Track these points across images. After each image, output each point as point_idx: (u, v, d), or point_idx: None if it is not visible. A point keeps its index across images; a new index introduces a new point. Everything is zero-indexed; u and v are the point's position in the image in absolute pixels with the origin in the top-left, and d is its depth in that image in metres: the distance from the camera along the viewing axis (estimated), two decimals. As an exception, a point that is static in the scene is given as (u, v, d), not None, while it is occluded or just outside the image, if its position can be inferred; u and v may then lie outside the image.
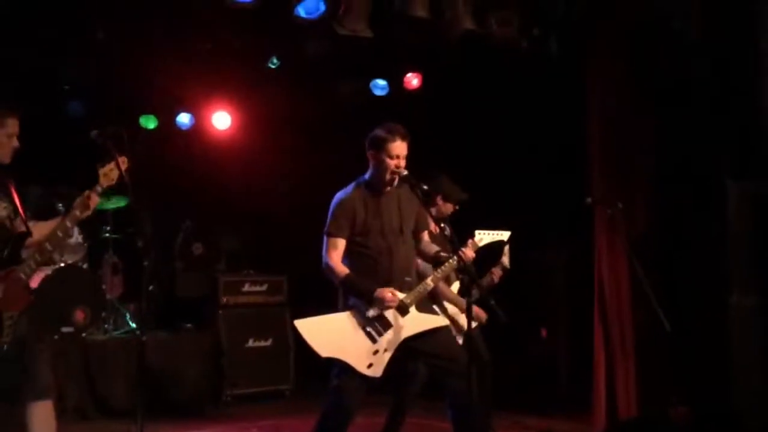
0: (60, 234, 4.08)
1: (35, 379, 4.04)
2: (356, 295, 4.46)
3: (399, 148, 4.47)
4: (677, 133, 6.15)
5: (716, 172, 5.88)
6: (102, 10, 6.40)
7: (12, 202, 4.11)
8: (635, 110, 6.21)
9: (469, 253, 4.53)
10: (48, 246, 4.05)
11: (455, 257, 4.52)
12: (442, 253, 4.67)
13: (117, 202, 7.12)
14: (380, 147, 4.49)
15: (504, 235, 5.13)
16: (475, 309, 5.41)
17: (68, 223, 4.09)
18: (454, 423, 4.54)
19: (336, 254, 4.50)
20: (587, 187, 6.18)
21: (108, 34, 6.74)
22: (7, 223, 4.06)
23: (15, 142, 4.12)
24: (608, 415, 6.06)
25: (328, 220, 4.55)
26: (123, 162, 4.18)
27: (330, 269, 4.49)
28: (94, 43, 6.87)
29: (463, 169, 7.33)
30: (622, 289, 6.08)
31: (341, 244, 4.51)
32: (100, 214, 7.10)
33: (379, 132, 4.53)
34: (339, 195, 4.59)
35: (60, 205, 7.08)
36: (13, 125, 4.10)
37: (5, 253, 4.01)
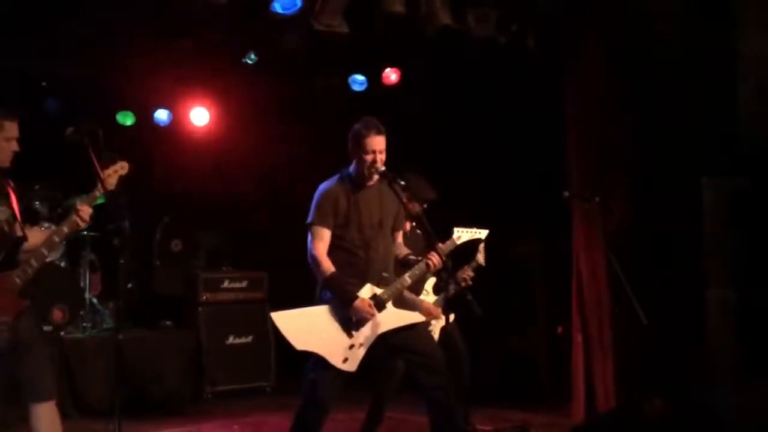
0: (47, 249, 4.05)
1: (37, 381, 4.04)
2: (336, 296, 4.46)
3: (374, 142, 4.48)
4: (655, 128, 6.20)
5: (692, 168, 5.94)
6: (80, 6, 6.35)
7: (10, 206, 4.10)
8: (613, 105, 6.25)
9: (435, 260, 4.50)
10: (44, 251, 4.04)
11: (424, 261, 4.53)
12: (411, 256, 4.70)
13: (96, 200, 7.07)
14: (357, 142, 4.51)
15: (482, 233, 5.15)
16: (428, 306, 5.43)
17: (56, 238, 4.06)
18: (431, 418, 4.56)
19: (322, 245, 4.49)
20: (565, 181, 6.22)
21: (86, 30, 6.69)
22: (5, 227, 4.04)
23: (15, 146, 4.10)
24: (586, 408, 6.11)
25: (311, 211, 4.54)
26: (123, 167, 4.17)
27: (316, 262, 4.48)
28: (72, 40, 6.83)
29: (440, 164, 7.37)
30: (599, 282, 6.12)
31: (327, 234, 4.51)
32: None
33: (357, 127, 4.56)
34: (322, 186, 4.60)
35: (37, 203, 7.04)
36: (11, 129, 4.08)
37: (1, 257, 3.98)
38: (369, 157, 4.49)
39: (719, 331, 5.58)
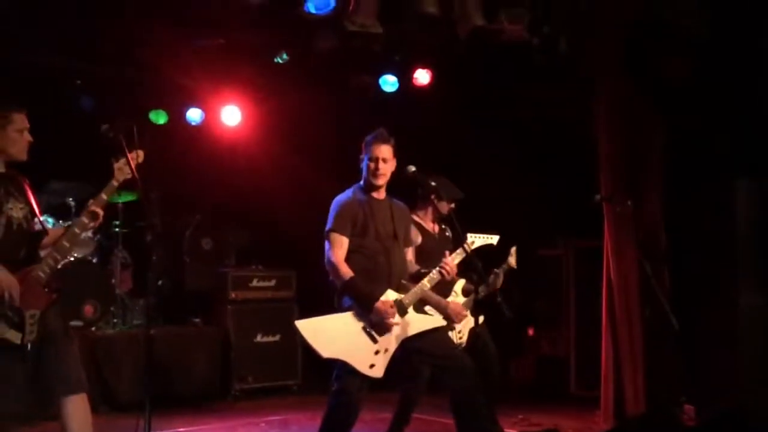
0: (68, 241, 4.08)
1: (67, 374, 4.07)
2: (356, 300, 4.49)
3: (378, 150, 4.60)
4: (687, 131, 6.13)
5: (726, 171, 5.87)
6: (113, 6, 6.41)
7: (28, 202, 4.13)
8: (645, 108, 6.19)
9: (452, 266, 4.56)
10: (65, 243, 4.06)
11: (436, 272, 4.59)
12: (423, 270, 4.75)
13: (127, 197, 7.14)
14: (364, 150, 4.65)
15: (493, 238, 5.24)
16: (456, 307, 5.42)
17: (77, 229, 4.10)
18: (456, 419, 4.56)
19: (341, 252, 4.55)
20: (597, 184, 6.17)
21: (120, 29, 6.75)
22: (24, 223, 4.08)
23: (28, 137, 4.12)
24: (616, 413, 6.06)
25: (330, 219, 4.61)
26: (138, 156, 4.20)
27: (334, 268, 4.53)
28: (106, 39, 6.89)
29: (471, 166, 7.36)
30: (630, 287, 6.07)
31: (345, 242, 4.57)
32: (109, 209, 7.12)
33: (367, 137, 4.67)
34: (338, 197, 4.70)
35: (71, 199, 7.12)
36: (20, 120, 4.09)
37: (23, 252, 4.02)
38: (372, 164, 4.60)
39: (751, 337, 5.50)
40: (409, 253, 4.88)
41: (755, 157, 5.77)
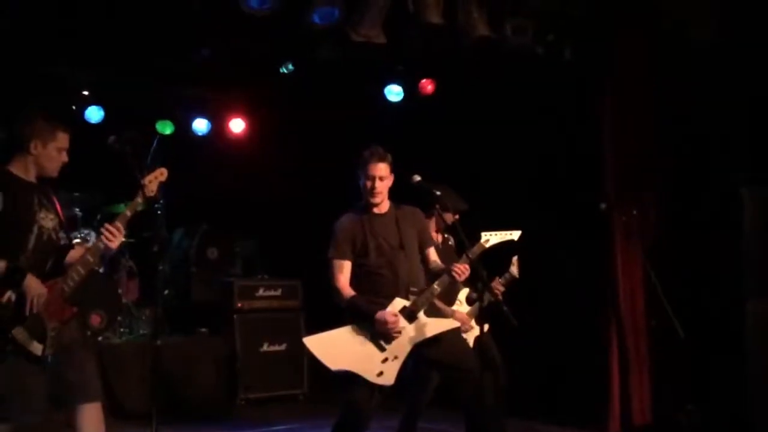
0: (92, 256, 4.10)
1: (84, 383, 4.09)
2: (360, 318, 4.49)
3: (375, 169, 4.58)
4: (693, 139, 6.14)
5: (732, 179, 5.87)
6: (119, 16, 6.45)
7: (57, 214, 4.16)
8: (651, 116, 6.20)
9: (462, 267, 4.48)
10: (89, 258, 4.09)
11: (448, 272, 4.52)
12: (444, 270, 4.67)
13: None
14: (360, 168, 4.63)
15: (514, 234, 4.97)
16: (461, 316, 5.41)
17: (101, 245, 4.10)
18: (467, 428, 4.55)
19: (342, 277, 4.59)
20: (602, 193, 6.17)
21: (126, 40, 6.79)
22: (53, 235, 4.10)
23: (64, 157, 4.14)
24: (622, 422, 6.05)
25: (330, 246, 4.65)
26: (162, 174, 4.23)
27: (337, 292, 4.58)
28: (112, 49, 6.93)
29: (477, 175, 7.36)
30: (636, 295, 6.07)
31: (346, 266, 4.60)
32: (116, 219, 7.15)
33: (364, 153, 4.65)
34: (338, 222, 4.70)
35: (77, 210, 7.14)
36: (63, 140, 4.12)
37: (50, 264, 4.05)
38: (368, 183, 4.59)
39: (758, 344, 5.49)
40: (432, 254, 4.82)
41: (761, 164, 5.77)
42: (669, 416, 5.80)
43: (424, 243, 4.78)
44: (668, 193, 6.16)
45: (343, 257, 4.59)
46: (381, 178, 4.59)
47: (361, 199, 4.69)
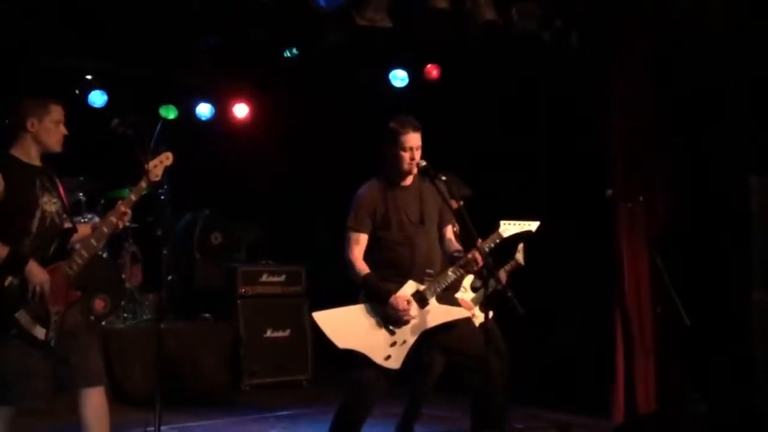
0: (96, 240, 4.10)
1: (87, 367, 4.10)
2: (374, 297, 4.44)
3: (412, 139, 4.48)
4: (700, 127, 6.10)
5: (739, 167, 5.83)
6: (124, 1, 6.42)
7: (60, 197, 4.15)
8: (657, 104, 6.16)
9: (478, 256, 4.41)
10: (93, 242, 4.08)
11: (463, 262, 4.45)
12: (456, 254, 4.61)
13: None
14: (394, 140, 4.50)
15: (532, 225, 4.89)
16: (463, 303, 5.38)
17: (105, 229, 4.10)
18: (472, 416, 4.54)
19: (358, 249, 4.50)
20: (608, 179, 6.14)
21: (129, 25, 6.76)
22: (57, 219, 4.09)
23: (63, 129, 4.13)
24: (627, 410, 6.04)
25: (349, 215, 4.54)
26: (168, 158, 4.20)
27: (351, 265, 4.48)
28: (116, 34, 6.90)
29: (481, 161, 7.33)
30: (642, 283, 6.05)
31: (363, 239, 4.51)
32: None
33: (392, 125, 4.54)
34: (360, 190, 4.60)
35: (81, 194, 7.13)
36: (57, 111, 4.11)
37: (53, 248, 4.04)
38: (407, 155, 4.48)
39: (764, 333, 5.47)
40: (449, 231, 4.75)
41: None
42: (674, 404, 5.79)
43: (443, 220, 4.69)
44: (675, 180, 6.12)
45: (361, 229, 4.50)
46: (418, 148, 4.49)
47: (389, 170, 4.57)
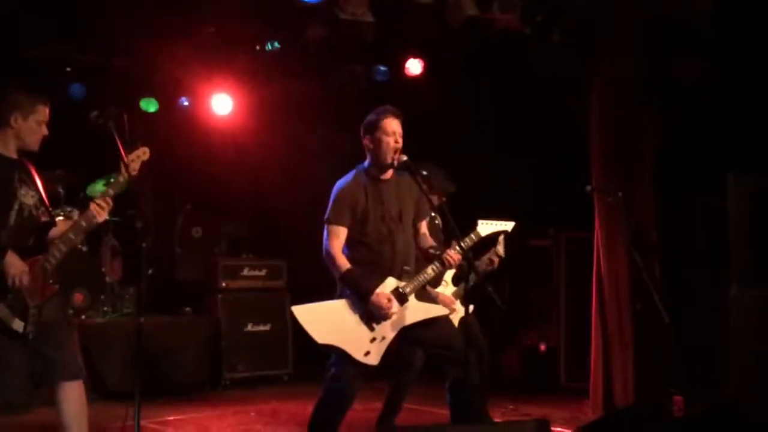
0: (75, 234, 4.09)
1: (65, 361, 4.10)
2: (354, 292, 4.43)
3: (393, 124, 4.46)
4: (679, 123, 6.14)
5: (717, 164, 5.88)
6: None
7: (37, 191, 4.13)
8: (638, 100, 6.19)
9: (455, 256, 4.44)
10: (71, 235, 4.07)
11: (441, 259, 4.46)
12: (431, 250, 4.62)
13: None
14: (375, 128, 4.48)
15: (508, 225, 4.98)
16: (445, 298, 5.41)
17: (83, 223, 4.09)
18: (452, 409, 4.55)
19: (338, 243, 4.47)
20: (588, 175, 6.17)
21: (109, 17, 6.71)
22: (34, 211, 4.08)
23: (44, 130, 4.14)
24: (605, 403, 6.08)
25: (328, 208, 4.52)
26: (144, 153, 4.19)
27: (331, 259, 4.46)
28: (95, 26, 6.85)
29: (463, 156, 7.35)
30: (620, 278, 6.08)
31: (342, 232, 4.48)
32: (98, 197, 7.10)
33: (371, 116, 4.53)
34: (339, 183, 4.56)
35: (60, 187, 7.08)
36: (43, 112, 4.12)
37: (31, 241, 4.02)
38: (390, 139, 4.44)
39: (742, 328, 5.51)
40: (423, 226, 4.73)
41: (745, 149, 5.78)
42: (651, 399, 5.83)
43: (418, 215, 4.68)
44: (655, 177, 6.15)
45: (341, 223, 4.46)
46: (400, 135, 4.46)
47: (370, 163, 4.54)
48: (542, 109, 7.15)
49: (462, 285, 5.55)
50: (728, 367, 5.48)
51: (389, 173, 4.57)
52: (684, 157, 6.15)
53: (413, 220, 4.66)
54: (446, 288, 5.65)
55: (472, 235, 4.76)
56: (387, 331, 4.43)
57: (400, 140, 4.47)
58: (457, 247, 4.43)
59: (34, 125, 4.08)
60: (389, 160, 4.47)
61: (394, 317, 4.43)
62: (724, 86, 5.92)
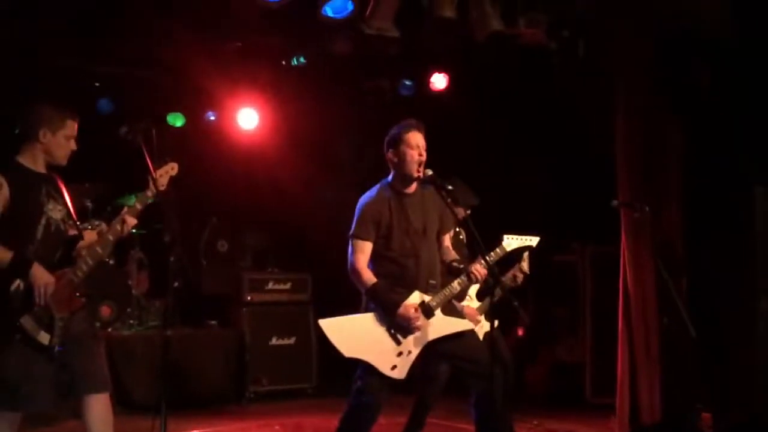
0: (102, 248, 4.13)
1: (92, 374, 4.12)
2: (381, 306, 4.43)
3: (417, 137, 4.48)
4: (706, 136, 6.10)
5: (745, 177, 5.83)
6: (131, 8, 6.44)
7: (65, 205, 4.17)
8: (663, 113, 6.16)
9: (481, 271, 4.44)
10: (99, 249, 4.11)
11: (467, 274, 4.46)
12: (455, 263, 4.61)
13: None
14: (399, 141, 4.49)
15: (533, 240, 5.01)
16: (469, 312, 5.39)
17: (110, 236, 4.12)
18: (477, 425, 4.53)
19: (363, 258, 4.47)
20: (614, 189, 6.14)
21: (137, 33, 6.79)
22: (62, 225, 4.11)
23: (73, 145, 4.16)
24: (631, 420, 6.02)
25: (354, 223, 4.52)
26: (173, 168, 4.22)
27: (357, 274, 4.46)
28: (124, 42, 6.93)
29: (488, 170, 7.34)
30: (647, 293, 6.03)
31: (368, 247, 4.48)
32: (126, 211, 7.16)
33: (394, 130, 4.55)
34: (364, 198, 4.57)
35: (87, 201, 7.15)
36: (71, 128, 4.14)
37: (58, 255, 4.06)
38: (415, 152, 4.45)
39: (770, 344, 5.46)
40: (446, 239, 4.73)
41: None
42: (678, 416, 5.77)
43: (443, 228, 4.67)
44: (681, 190, 6.11)
45: (366, 238, 4.46)
46: (424, 148, 4.47)
47: (394, 177, 4.55)
48: (567, 123, 7.13)
49: (487, 300, 5.54)
50: (757, 382, 5.42)
51: (413, 187, 4.57)
52: (712, 169, 6.10)
53: (437, 234, 4.66)
54: (471, 302, 5.63)
55: (498, 250, 4.78)
56: (413, 345, 4.42)
57: (425, 153, 4.48)
58: (483, 262, 4.42)
59: (62, 140, 4.12)
60: (414, 173, 4.48)
61: (420, 331, 4.42)
62: (746, 94, 5.87)
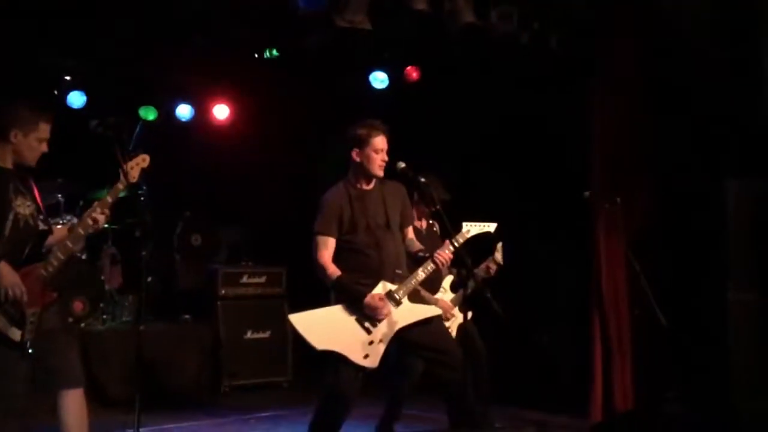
0: (72, 242, 4.09)
1: (66, 368, 4.11)
2: (347, 298, 4.49)
3: (383, 141, 4.59)
4: (678, 129, 6.16)
5: (716, 169, 5.89)
6: (102, 2, 6.39)
7: (35, 200, 4.13)
8: (636, 106, 6.21)
9: (445, 255, 4.57)
10: (69, 243, 4.07)
11: (432, 259, 4.58)
12: (420, 253, 4.72)
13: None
14: (365, 144, 4.58)
15: (491, 226, 5.12)
16: (444, 304, 5.43)
17: (80, 230, 4.09)
18: (449, 414, 4.56)
19: (327, 253, 4.55)
20: (586, 181, 6.18)
21: (108, 26, 6.73)
22: (31, 221, 4.07)
23: (44, 147, 4.11)
24: (604, 409, 6.08)
25: (316, 220, 4.60)
26: (144, 160, 4.20)
27: (321, 268, 4.54)
28: (95, 35, 6.86)
29: (462, 163, 7.36)
30: (619, 284, 6.09)
31: (331, 242, 4.56)
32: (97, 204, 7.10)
33: (360, 130, 4.62)
34: (326, 195, 4.66)
35: (59, 195, 7.09)
36: (44, 130, 4.09)
37: (27, 250, 4.02)
38: (377, 157, 4.57)
39: (740, 334, 5.53)
40: (410, 232, 4.84)
41: (744, 155, 5.80)
42: (651, 404, 5.84)
43: (404, 220, 4.78)
44: (653, 182, 6.17)
45: (329, 233, 4.55)
46: (387, 151, 4.60)
47: (355, 174, 4.65)
48: (541, 115, 7.15)
49: (460, 292, 5.57)
50: (727, 370, 5.49)
51: (372, 183, 4.68)
52: (683, 161, 6.16)
53: (400, 227, 4.74)
54: (445, 294, 5.66)
55: (459, 237, 4.83)
56: (383, 333, 4.47)
57: (386, 157, 4.61)
58: (451, 246, 4.49)
59: (34, 143, 4.06)
60: (378, 174, 4.62)
61: (388, 319, 4.47)
62: (719, 89, 5.94)
